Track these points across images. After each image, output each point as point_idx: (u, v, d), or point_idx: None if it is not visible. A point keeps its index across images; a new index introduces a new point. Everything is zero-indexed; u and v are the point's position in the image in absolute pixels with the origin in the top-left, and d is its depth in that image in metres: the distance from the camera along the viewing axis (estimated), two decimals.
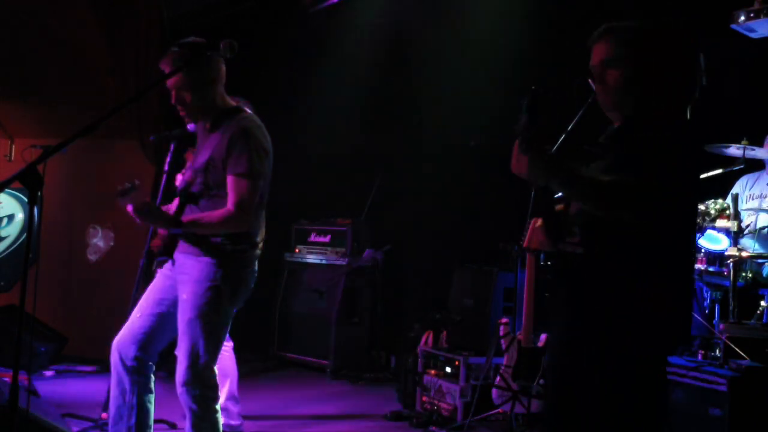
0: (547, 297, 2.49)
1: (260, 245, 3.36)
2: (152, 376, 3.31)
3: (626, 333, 2.33)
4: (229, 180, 3.16)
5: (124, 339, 3.27)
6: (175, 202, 3.34)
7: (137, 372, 3.25)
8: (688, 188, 2.38)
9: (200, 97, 3.23)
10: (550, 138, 2.40)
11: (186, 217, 3.20)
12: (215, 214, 3.16)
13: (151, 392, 3.29)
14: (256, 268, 3.37)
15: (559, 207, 2.51)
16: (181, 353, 3.17)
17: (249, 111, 3.36)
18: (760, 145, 4.63)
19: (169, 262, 3.29)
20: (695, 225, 2.50)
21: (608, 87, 2.44)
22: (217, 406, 3.24)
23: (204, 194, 3.23)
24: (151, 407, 3.31)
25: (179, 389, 3.17)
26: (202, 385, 3.16)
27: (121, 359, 3.25)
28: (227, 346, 4.57)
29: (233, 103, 3.35)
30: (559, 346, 2.52)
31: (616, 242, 2.34)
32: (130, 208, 3.11)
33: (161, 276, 3.35)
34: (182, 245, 3.24)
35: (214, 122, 3.28)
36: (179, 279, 3.24)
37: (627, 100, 2.43)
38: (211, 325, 3.17)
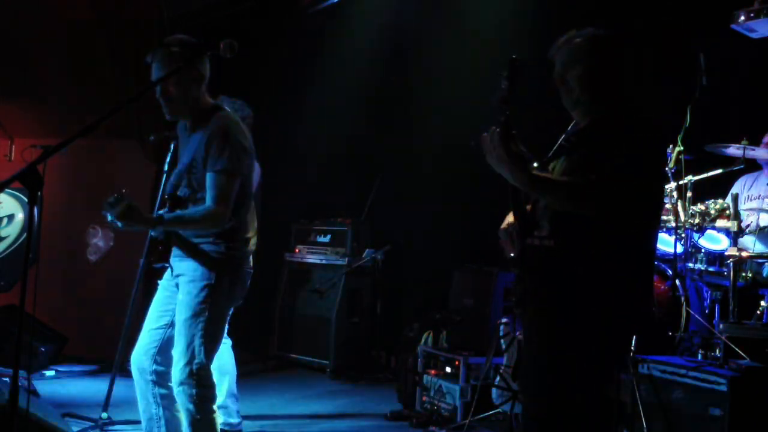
0: (514, 292, 2.58)
1: (252, 242, 3.37)
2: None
3: (595, 322, 2.40)
4: (208, 177, 3.17)
5: (138, 355, 3.30)
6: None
7: (158, 384, 3.28)
8: (651, 184, 2.51)
9: (185, 94, 3.23)
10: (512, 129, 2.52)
11: (168, 215, 3.20)
12: (196, 210, 3.18)
13: (176, 401, 3.28)
14: (251, 265, 3.37)
15: (528, 206, 2.65)
16: (177, 353, 3.18)
17: (227, 108, 3.37)
18: (759, 145, 4.63)
19: (169, 270, 3.30)
20: (659, 217, 2.64)
21: (568, 87, 2.65)
22: (214, 406, 3.25)
23: (191, 198, 3.24)
24: (180, 415, 3.30)
25: (175, 389, 3.18)
26: (199, 385, 3.17)
27: (140, 374, 3.29)
28: (226, 344, 4.57)
29: (211, 102, 3.35)
30: (538, 343, 2.57)
31: (584, 234, 2.44)
32: (109, 218, 3.09)
33: (161, 288, 3.38)
34: (176, 250, 3.25)
35: (194, 122, 3.29)
36: (178, 281, 3.26)
37: (585, 97, 2.63)
38: (207, 324, 3.18)
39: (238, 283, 3.30)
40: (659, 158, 2.57)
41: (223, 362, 4.50)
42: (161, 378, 3.28)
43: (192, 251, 3.21)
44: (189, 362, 3.15)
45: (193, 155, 3.22)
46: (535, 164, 2.56)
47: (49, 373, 6.11)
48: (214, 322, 3.22)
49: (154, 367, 3.27)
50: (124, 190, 3.10)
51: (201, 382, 3.18)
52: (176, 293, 3.26)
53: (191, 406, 3.16)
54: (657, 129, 2.54)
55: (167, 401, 3.29)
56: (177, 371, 3.16)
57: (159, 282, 3.40)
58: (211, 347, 3.21)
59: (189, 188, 3.24)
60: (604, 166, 2.39)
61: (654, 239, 2.62)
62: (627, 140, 2.45)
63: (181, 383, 3.15)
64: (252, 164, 3.33)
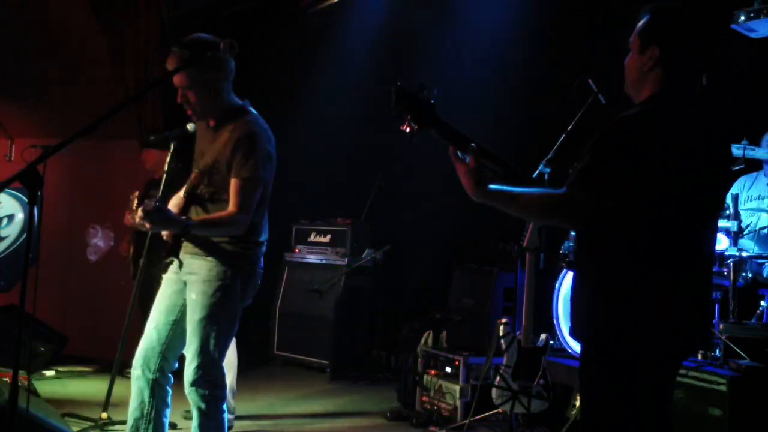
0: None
1: (264, 244, 3.37)
2: (170, 390, 3.30)
3: (598, 323, 2.33)
4: (233, 183, 3.16)
5: (145, 352, 3.27)
6: (175, 201, 3.35)
7: (158, 385, 3.26)
8: (652, 188, 2.26)
9: (204, 96, 3.21)
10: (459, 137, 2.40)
11: (195, 218, 3.19)
12: (219, 215, 3.18)
13: (167, 407, 3.29)
14: (263, 265, 3.37)
15: None
16: (191, 353, 3.17)
17: (254, 111, 3.35)
18: (760, 145, 4.62)
19: (175, 264, 3.29)
20: (680, 221, 2.31)
21: (626, 68, 2.49)
22: (225, 406, 3.25)
23: (210, 198, 3.23)
24: (167, 422, 3.30)
25: (187, 388, 3.17)
26: (212, 385, 3.17)
27: (144, 373, 3.25)
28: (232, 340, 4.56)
29: (239, 102, 3.33)
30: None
31: (593, 236, 2.35)
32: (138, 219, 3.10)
33: (167, 282, 3.34)
34: (188, 246, 3.24)
35: (219, 122, 3.27)
36: (188, 279, 3.24)
37: (629, 85, 2.48)
38: (220, 324, 3.18)
39: (251, 282, 3.29)
40: (618, 151, 2.26)
41: (227, 358, 4.49)
42: (163, 376, 3.26)
43: (207, 250, 3.20)
44: (203, 363, 3.14)
45: (217, 156, 3.21)
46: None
47: (49, 373, 6.11)
48: (227, 322, 3.22)
49: (161, 364, 3.25)
50: (158, 195, 3.09)
51: (214, 382, 3.18)
52: (183, 289, 3.25)
53: (203, 406, 3.16)
54: (620, 124, 2.32)
55: (161, 404, 3.27)
56: (190, 371, 3.15)
57: (163, 276, 3.39)
58: (224, 347, 3.21)
59: (209, 187, 3.23)
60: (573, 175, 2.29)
61: (668, 237, 2.30)
62: (602, 145, 2.29)
63: (194, 383, 3.15)
64: (274, 170, 3.31)
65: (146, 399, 3.25)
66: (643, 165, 2.24)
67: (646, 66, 2.40)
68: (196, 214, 3.25)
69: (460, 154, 2.38)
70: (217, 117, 3.27)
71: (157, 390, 3.25)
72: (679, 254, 2.31)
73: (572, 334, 2.44)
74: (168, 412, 3.30)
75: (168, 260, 3.28)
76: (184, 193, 3.29)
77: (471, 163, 2.33)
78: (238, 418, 4.87)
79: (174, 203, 3.32)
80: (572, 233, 4.79)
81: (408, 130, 2.38)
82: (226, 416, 3.27)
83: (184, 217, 3.17)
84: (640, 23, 2.45)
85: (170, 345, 3.26)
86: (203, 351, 3.15)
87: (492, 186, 2.32)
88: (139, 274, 5.03)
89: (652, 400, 2.35)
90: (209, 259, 3.20)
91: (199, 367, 3.14)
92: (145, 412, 3.26)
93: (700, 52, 2.46)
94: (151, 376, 3.25)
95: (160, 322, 3.29)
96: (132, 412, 3.28)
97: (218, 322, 3.17)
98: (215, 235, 3.20)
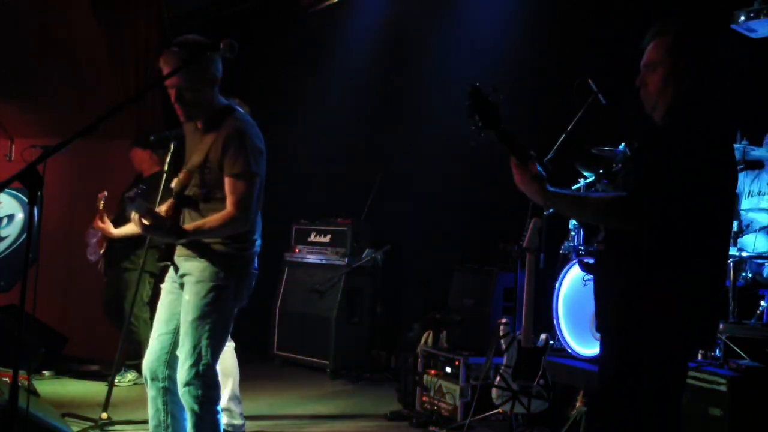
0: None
1: (258, 243, 3.37)
2: None
3: (630, 329, 2.41)
4: (227, 181, 3.16)
5: (151, 362, 3.29)
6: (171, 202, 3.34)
7: (170, 392, 3.27)
8: (693, 191, 2.38)
9: (200, 96, 3.21)
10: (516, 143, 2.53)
11: (189, 226, 3.19)
12: (216, 217, 3.16)
13: (184, 409, 3.28)
14: (257, 266, 3.37)
15: None
16: (184, 353, 3.17)
17: (240, 110, 3.35)
18: (760, 145, 4.62)
19: (171, 272, 3.29)
20: (710, 225, 2.43)
21: (647, 90, 2.55)
22: (218, 407, 3.25)
23: (202, 197, 3.22)
24: (187, 425, 3.29)
25: (180, 389, 3.17)
26: (205, 386, 3.17)
27: (154, 381, 3.28)
28: (228, 346, 4.56)
29: (225, 102, 3.33)
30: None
31: (622, 239, 2.45)
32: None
33: (164, 292, 3.36)
34: (181, 249, 3.24)
35: (207, 122, 3.27)
36: (183, 281, 3.24)
37: (659, 105, 2.54)
38: (213, 325, 3.17)
39: (244, 283, 3.29)
40: (682, 161, 2.38)
41: (226, 365, 4.49)
42: (173, 383, 3.27)
43: (201, 251, 3.20)
44: (195, 363, 3.15)
45: (206, 155, 3.20)
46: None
47: (49, 373, 6.11)
48: (221, 322, 3.21)
49: (168, 372, 3.26)
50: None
51: (207, 383, 3.18)
52: (181, 295, 3.25)
53: (196, 407, 3.16)
54: (698, 137, 2.44)
55: (176, 408, 3.28)
56: (183, 372, 3.16)
57: (161, 286, 3.40)
58: (217, 348, 3.21)
59: (202, 188, 3.22)
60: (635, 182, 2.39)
61: (696, 243, 2.41)
62: (659, 154, 2.41)
63: (187, 384, 3.15)
64: (265, 166, 3.31)
65: (160, 407, 3.29)
66: (691, 172, 2.36)
67: (680, 81, 2.48)
68: (189, 215, 3.25)
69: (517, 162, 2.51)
70: (205, 118, 3.27)
71: (169, 397, 3.28)
72: (707, 254, 2.43)
73: (598, 328, 2.55)
74: (186, 414, 3.29)
75: (162, 265, 3.28)
76: (174, 194, 3.29)
77: (533, 169, 2.46)
78: None
79: (167, 206, 3.32)
80: (573, 233, 4.79)
81: (475, 127, 2.53)
82: (220, 417, 3.27)
83: (179, 227, 3.17)
84: (666, 40, 2.51)
85: (173, 353, 3.27)
86: (197, 352, 3.15)
87: (555, 189, 2.47)
88: (140, 273, 5.04)
89: (662, 396, 2.42)
90: (203, 260, 3.19)
91: (192, 367, 3.14)
92: (161, 419, 3.29)
93: (725, 64, 2.57)
94: (160, 385, 3.27)
95: (162, 332, 3.30)
96: (150, 420, 3.33)
97: (211, 322, 3.17)
98: (215, 237, 3.19)
